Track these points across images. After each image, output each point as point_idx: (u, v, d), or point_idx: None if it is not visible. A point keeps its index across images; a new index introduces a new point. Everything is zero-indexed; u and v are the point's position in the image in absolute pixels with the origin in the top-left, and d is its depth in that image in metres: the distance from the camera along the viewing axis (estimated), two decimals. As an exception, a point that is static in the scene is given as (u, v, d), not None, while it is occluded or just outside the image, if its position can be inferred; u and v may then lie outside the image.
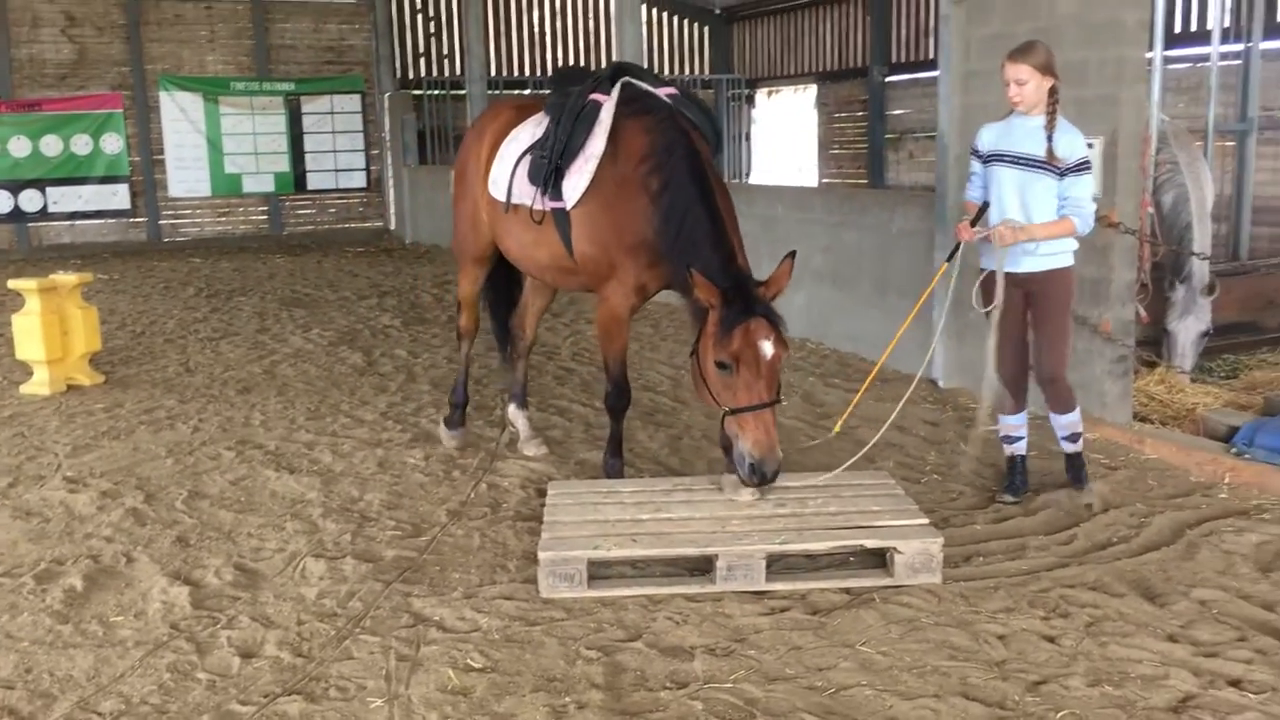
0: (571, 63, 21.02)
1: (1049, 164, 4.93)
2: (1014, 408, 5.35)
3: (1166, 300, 7.33)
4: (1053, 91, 4.96)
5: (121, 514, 5.39)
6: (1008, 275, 5.03)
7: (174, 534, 5.11)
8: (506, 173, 5.64)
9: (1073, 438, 5.26)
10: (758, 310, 4.49)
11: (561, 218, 5.30)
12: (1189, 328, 7.23)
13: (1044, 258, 5.04)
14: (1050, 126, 4.94)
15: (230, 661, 3.88)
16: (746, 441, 4.50)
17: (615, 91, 5.30)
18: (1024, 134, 5.02)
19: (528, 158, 5.49)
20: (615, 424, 5.53)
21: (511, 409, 6.49)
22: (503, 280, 6.47)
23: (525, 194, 5.47)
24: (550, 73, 20.97)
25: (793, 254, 4.72)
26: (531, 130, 5.63)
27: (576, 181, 5.19)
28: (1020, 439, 5.41)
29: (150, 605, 4.34)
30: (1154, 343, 7.68)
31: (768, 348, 4.48)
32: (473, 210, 6.10)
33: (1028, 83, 4.93)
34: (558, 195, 5.27)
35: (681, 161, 4.96)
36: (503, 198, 5.67)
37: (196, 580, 4.58)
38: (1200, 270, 7.31)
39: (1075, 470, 5.31)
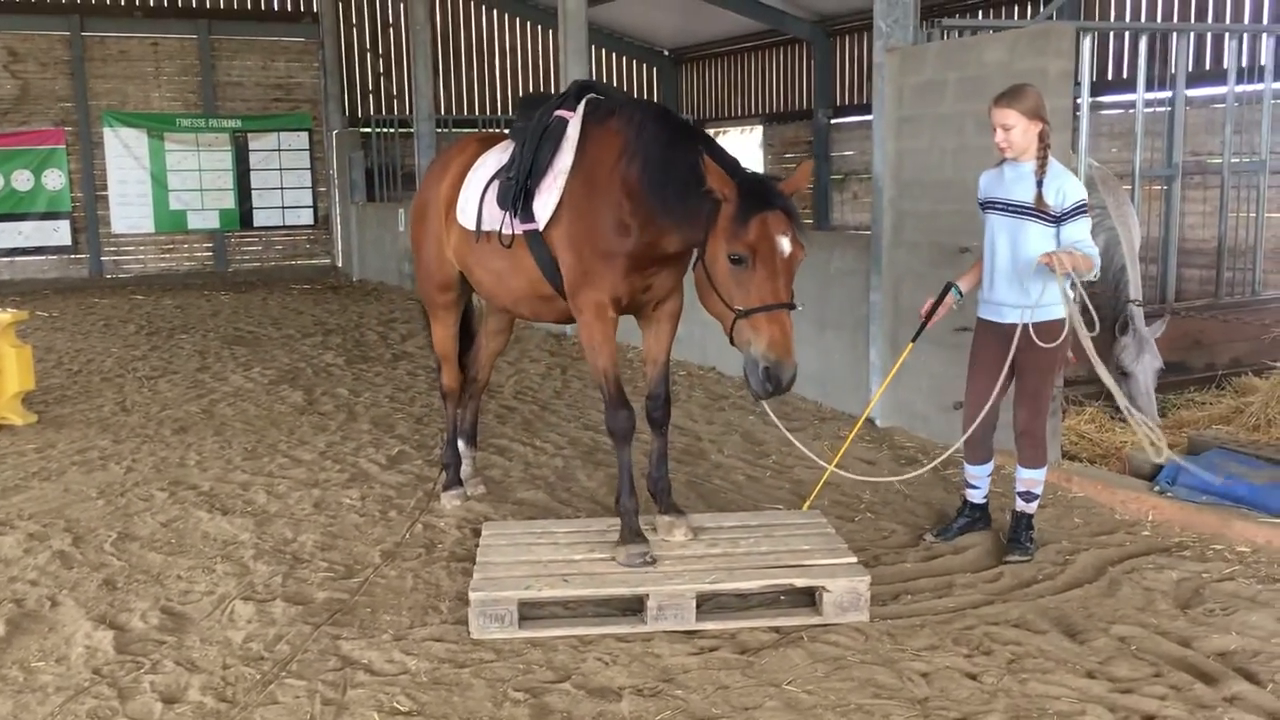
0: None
1: (1038, 211, 4.84)
2: (978, 457, 5.29)
3: (1115, 343, 7.43)
4: (1042, 136, 4.85)
5: (48, 557, 5.31)
6: (991, 324, 5.03)
7: (101, 577, 5.05)
8: (475, 199, 5.41)
9: (1028, 495, 5.15)
10: (776, 203, 4.17)
11: (535, 240, 5.06)
12: (1147, 366, 7.36)
13: (1036, 309, 4.93)
14: (1040, 172, 4.84)
15: (152, 707, 3.83)
16: (760, 343, 4.12)
17: (581, 107, 5.09)
18: (1014, 180, 4.96)
19: (496, 182, 5.28)
20: (620, 451, 4.97)
21: (461, 445, 6.34)
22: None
23: (495, 219, 5.23)
24: (510, 107, 21.13)
25: (814, 157, 4.49)
26: (498, 156, 5.45)
27: (547, 200, 4.96)
28: (978, 488, 5.37)
29: (73, 650, 4.28)
30: (1087, 381, 7.83)
31: (786, 244, 4.14)
32: (437, 247, 5.86)
33: (1014, 128, 4.83)
34: (529, 217, 5.04)
35: (652, 125, 4.67)
36: (472, 225, 5.41)
37: (122, 624, 4.52)
38: (1138, 311, 7.47)
39: (1018, 533, 5.16)
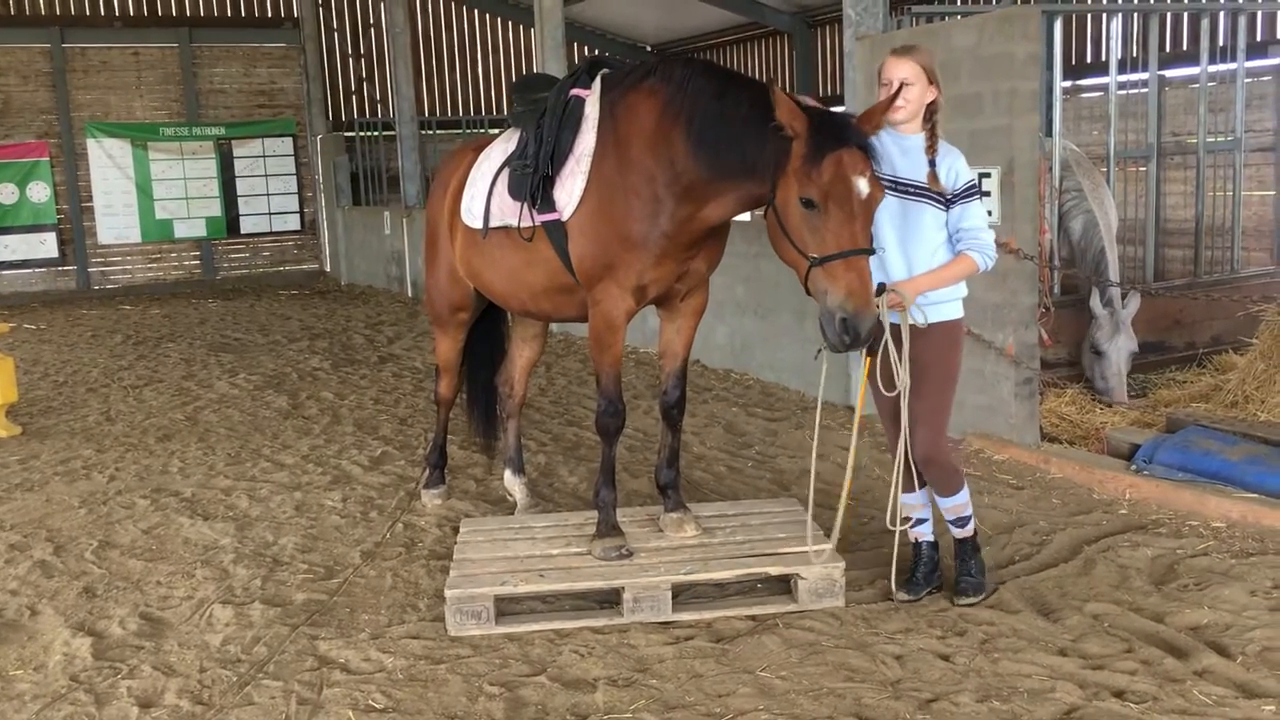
0: (503, 100, 21.09)
1: (932, 192, 4.21)
2: (909, 484, 4.49)
3: (1092, 323, 7.45)
4: (933, 108, 4.24)
5: (29, 566, 5.31)
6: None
7: (81, 585, 5.06)
8: (482, 195, 5.09)
9: (960, 522, 4.49)
10: (852, 140, 3.86)
11: (556, 230, 4.71)
12: (1120, 347, 7.38)
13: (932, 307, 4.24)
14: (932, 148, 4.22)
15: (129, 712, 3.85)
16: (838, 293, 3.79)
17: (597, 85, 4.73)
18: (900, 154, 4.23)
19: (505, 172, 4.96)
20: (606, 447, 4.87)
21: (507, 476, 5.95)
22: (479, 346, 6.07)
23: (509, 212, 4.90)
24: (491, 106, 21.14)
25: (900, 89, 4.13)
26: (502, 148, 5.15)
27: (571, 186, 4.60)
28: (924, 520, 4.60)
29: (51, 658, 4.30)
30: (1067, 364, 7.86)
31: (863, 185, 3.82)
32: (448, 267, 5.63)
33: (914, 85, 4.17)
34: (549, 206, 4.69)
35: (697, 78, 4.34)
36: (479, 224, 5.10)
37: (100, 631, 4.53)
38: (1115, 292, 7.50)
39: (965, 564, 4.51)
